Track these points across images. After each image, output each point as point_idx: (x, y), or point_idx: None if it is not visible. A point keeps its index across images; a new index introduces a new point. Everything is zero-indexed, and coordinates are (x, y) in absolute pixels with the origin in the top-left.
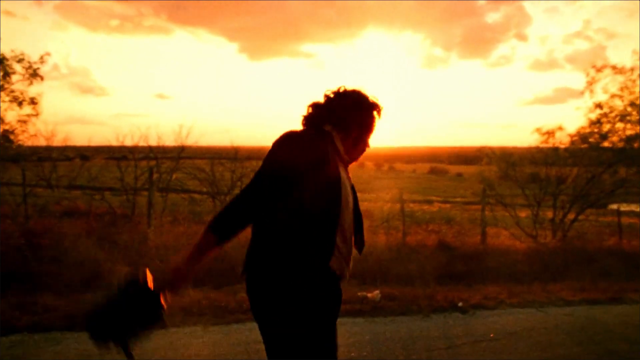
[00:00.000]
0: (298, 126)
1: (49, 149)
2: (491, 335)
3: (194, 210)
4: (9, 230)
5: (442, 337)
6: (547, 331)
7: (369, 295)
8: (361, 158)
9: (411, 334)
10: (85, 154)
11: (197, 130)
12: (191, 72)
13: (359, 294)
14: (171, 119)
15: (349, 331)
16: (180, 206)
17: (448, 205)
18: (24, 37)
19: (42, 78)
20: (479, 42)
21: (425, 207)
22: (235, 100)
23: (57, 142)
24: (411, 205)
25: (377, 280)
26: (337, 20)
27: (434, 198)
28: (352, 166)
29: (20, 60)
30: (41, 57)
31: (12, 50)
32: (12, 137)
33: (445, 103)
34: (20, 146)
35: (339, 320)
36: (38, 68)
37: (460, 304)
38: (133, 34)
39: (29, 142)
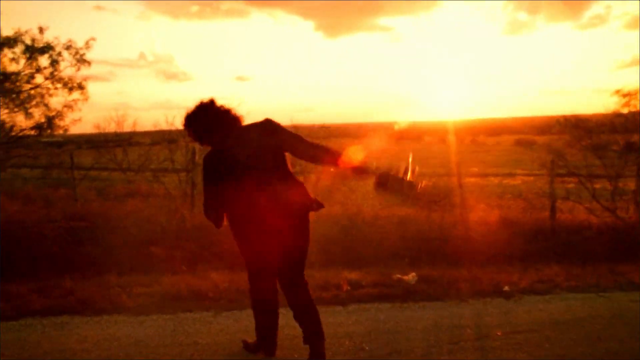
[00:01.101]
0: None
1: (118, 134)
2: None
3: None
4: (52, 214)
5: (475, 326)
6: (603, 320)
7: (405, 277)
8: (441, 132)
9: (439, 323)
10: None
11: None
12: (269, 53)
13: (393, 276)
14: (251, 100)
15: (370, 318)
16: None
17: (532, 178)
18: (113, 29)
19: (89, 63)
20: (568, 2)
21: (506, 180)
22: (313, 78)
23: (127, 127)
24: (492, 179)
25: (422, 261)
26: None
27: (518, 171)
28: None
29: (68, 47)
30: (86, 43)
31: (56, 38)
32: (57, 121)
33: (532, 70)
34: (66, 131)
35: (362, 305)
36: (84, 54)
37: (505, 288)
38: (212, 19)
39: (75, 128)
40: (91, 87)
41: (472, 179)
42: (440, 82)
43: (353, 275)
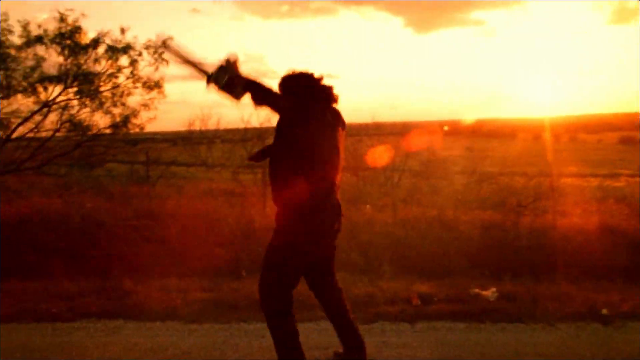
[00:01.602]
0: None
1: (203, 132)
2: None
3: None
4: (125, 212)
5: (563, 357)
6: None
7: (483, 293)
8: (536, 130)
9: (520, 350)
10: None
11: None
12: (357, 51)
13: (470, 290)
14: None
15: (440, 340)
16: None
17: (637, 179)
18: (208, 30)
19: (167, 62)
20: None
21: (608, 182)
22: (403, 75)
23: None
24: (591, 180)
25: (505, 273)
26: None
27: (622, 172)
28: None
29: (147, 47)
30: (164, 42)
31: (135, 37)
32: (133, 120)
33: None
34: (142, 129)
35: (432, 324)
36: (162, 52)
37: (603, 311)
38: (301, 18)
39: (150, 126)
40: (187, 87)
41: (569, 180)
42: (536, 76)
43: (425, 288)
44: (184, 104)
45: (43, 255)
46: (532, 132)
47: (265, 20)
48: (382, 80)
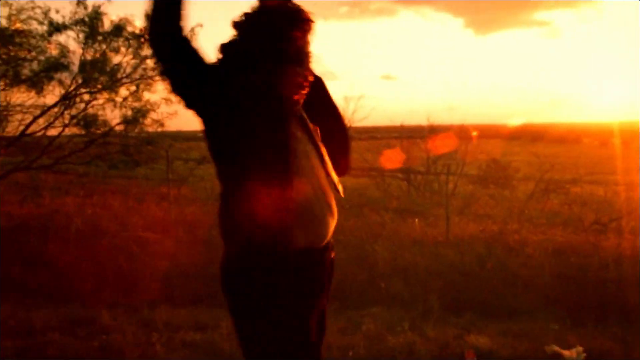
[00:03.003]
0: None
1: None
2: None
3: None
4: (132, 220)
5: None
6: None
7: (565, 353)
8: (604, 135)
9: None
10: None
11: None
12: (416, 52)
13: (546, 347)
14: (395, 99)
15: None
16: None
17: None
18: None
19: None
20: None
21: None
22: (463, 77)
23: None
24: None
25: (589, 319)
26: None
27: None
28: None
29: None
30: (192, 29)
31: None
32: (150, 116)
33: None
34: (162, 125)
35: None
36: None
37: None
38: (360, 19)
39: (168, 124)
40: None
41: None
42: (604, 80)
43: (484, 339)
44: None
45: (23, 272)
46: (599, 137)
47: (324, 22)
48: (441, 82)
